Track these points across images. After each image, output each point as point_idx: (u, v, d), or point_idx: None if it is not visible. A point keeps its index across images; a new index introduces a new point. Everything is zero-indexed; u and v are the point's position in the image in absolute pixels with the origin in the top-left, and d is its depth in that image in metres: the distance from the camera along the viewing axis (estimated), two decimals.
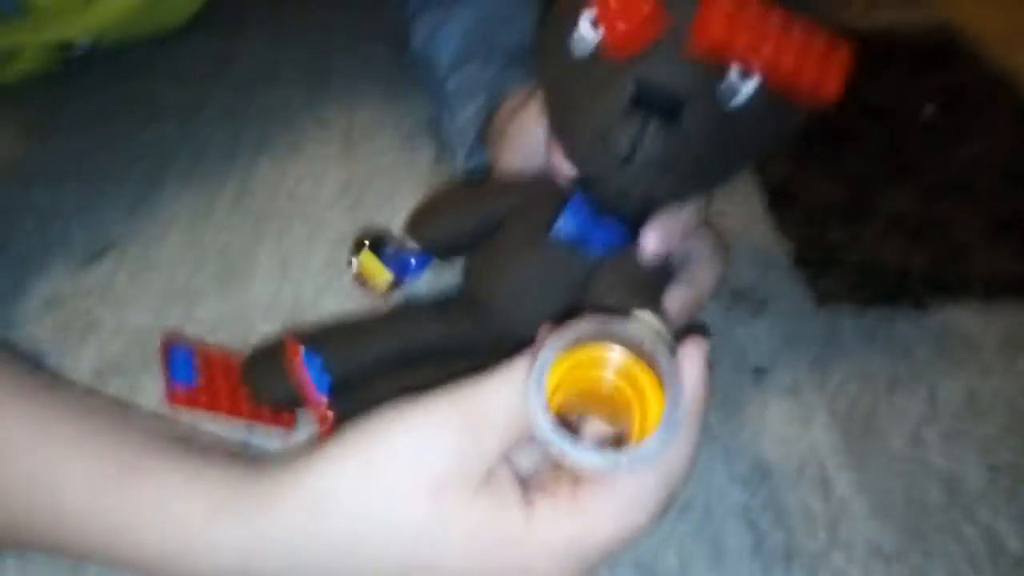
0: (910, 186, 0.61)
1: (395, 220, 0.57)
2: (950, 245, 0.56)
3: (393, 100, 0.70)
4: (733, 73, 0.34)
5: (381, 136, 0.66)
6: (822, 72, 0.33)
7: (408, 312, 0.45)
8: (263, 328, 0.50)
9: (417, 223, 0.46)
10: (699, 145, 0.36)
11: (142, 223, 0.57)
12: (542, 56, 0.41)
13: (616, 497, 0.29)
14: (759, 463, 0.43)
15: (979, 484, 0.42)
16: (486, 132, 0.54)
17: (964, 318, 0.51)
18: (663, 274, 0.41)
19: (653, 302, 0.39)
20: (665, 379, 0.28)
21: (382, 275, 0.45)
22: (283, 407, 0.42)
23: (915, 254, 0.56)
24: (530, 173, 0.44)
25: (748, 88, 0.35)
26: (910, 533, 0.40)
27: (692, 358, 0.30)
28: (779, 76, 0.33)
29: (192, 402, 0.41)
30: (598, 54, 0.36)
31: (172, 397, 0.40)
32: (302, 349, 0.41)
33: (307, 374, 0.40)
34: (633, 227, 0.40)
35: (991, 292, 0.53)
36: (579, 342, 0.29)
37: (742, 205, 0.59)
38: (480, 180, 0.55)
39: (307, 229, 0.57)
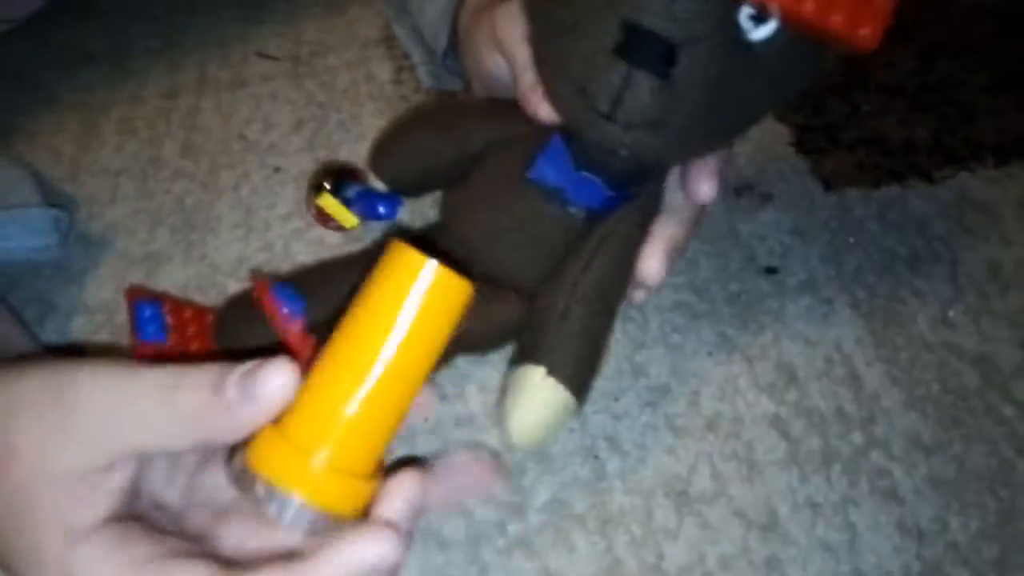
0: (906, 49, 0.57)
1: (359, 151, 0.52)
2: (954, 109, 0.53)
3: (338, 13, 0.64)
4: (743, 15, 0.29)
5: (331, 58, 0.60)
6: (855, 15, 0.27)
7: (353, 263, 0.41)
8: (234, 288, 0.46)
9: (381, 159, 0.40)
10: (698, 99, 0.30)
11: (87, 183, 0.52)
12: None
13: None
14: (784, 367, 0.41)
15: (1013, 361, 0.41)
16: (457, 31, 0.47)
17: (978, 186, 0.49)
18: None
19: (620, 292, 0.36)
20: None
21: (346, 218, 0.40)
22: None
23: (919, 123, 0.52)
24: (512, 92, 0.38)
25: (763, 31, 0.29)
26: (948, 421, 0.38)
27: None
28: (800, 20, 0.27)
29: (161, 361, 0.37)
30: None
31: (141, 356, 0.37)
32: (271, 282, 0.37)
33: (278, 301, 0.36)
34: (620, 187, 0.35)
35: (1003, 155, 0.50)
36: None
37: None
38: (454, 101, 0.49)
39: (265, 173, 0.52)
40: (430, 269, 0.24)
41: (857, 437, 0.38)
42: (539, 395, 0.33)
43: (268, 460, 0.24)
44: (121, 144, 0.55)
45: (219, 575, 0.24)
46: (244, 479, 0.24)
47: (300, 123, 0.55)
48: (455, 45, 0.48)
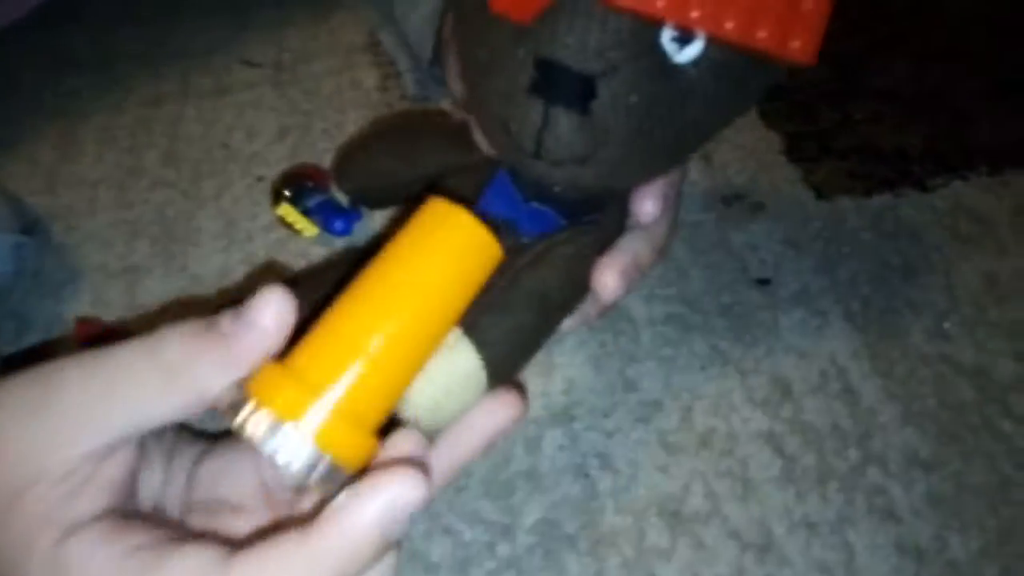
0: (900, 55, 0.56)
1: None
2: (948, 116, 0.52)
3: (323, 20, 0.63)
4: (666, 38, 0.27)
5: (315, 65, 0.59)
6: (783, 29, 0.26)
7: (346, 263, 0.40)
8: (215, 302, 0.44)
9: (343, 173, 0.41)
10: (626, 129, 0.29)
11: (65, 193, 0.50)
12: None
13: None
14: (778, 381, 0.40)
15: (1010, 374, 0.40)
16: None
17: (972, 195, 0.48)
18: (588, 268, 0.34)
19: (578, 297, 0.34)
20: None
21: (306, 227, 0.40)
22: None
23: (912, 131, 0.52)
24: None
25: (689, 53, 0.28)
26: (946, 437, 0.38)
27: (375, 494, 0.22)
28: (726, 37, 0.26)
29: None
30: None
31: None
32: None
33: None
34: (573, 215, 0.34)
35: (997, 163, 0.49)
36: None
37: None
38: (415, 121, 0.48)
39: (248, 182, 0.51)
40: (467, 222, 0.24)
41: (853, 454, 0.37)
42: (449, 351, 0.29)
43: (273, 393, 0.22)
44: (100, 153, 0.53)
45: (225, 555, 0.22)
46: (241, 412, 0.22)
47: (284, 131, 0.54)
48: (440, 53, 0.47)
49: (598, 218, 0.35)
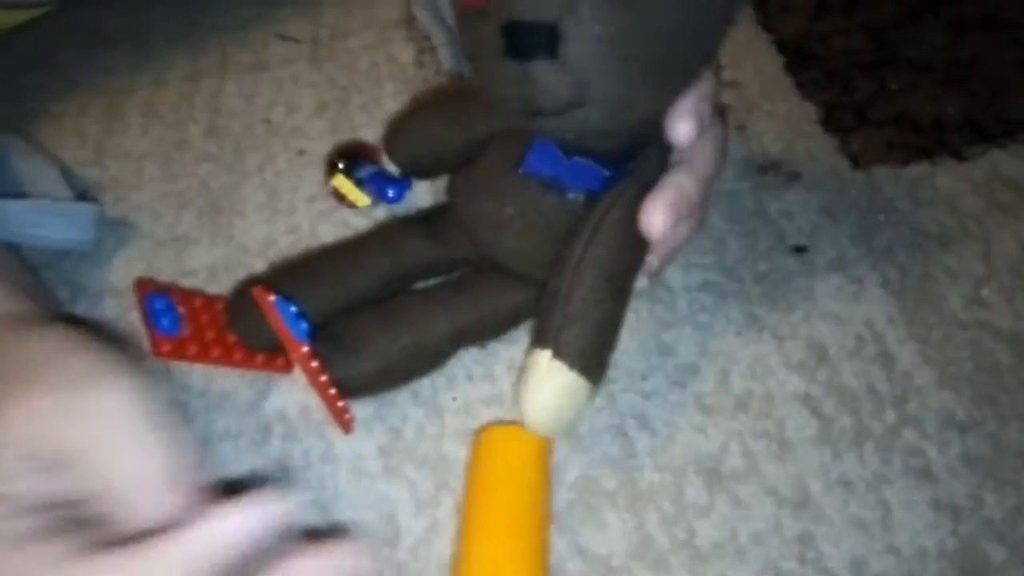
0: (934, 25, 0.56)
1: (381, 133, 0.52)
2: (984, 85, 0.52)
3: None
4: None
5: (352, 40, 0.60)
6: None
7: (393, 231, 0.42)
8: (262, 270, 0.46)
9: (394, 143, 0.42)
10: (606, 60, 0.29)
11: (112, 166, 0.52)
12: None
13: None
14: (814, 346, 0.40)
15: None
16: None
17: (1010, 164, 0.48)
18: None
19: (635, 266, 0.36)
20: None
21: (359, 197, 0.41)
22: (276, 351, 0.39)
23: (948, 100, 0.51)
24: None
25: None
26: (982, 399, 0.38)
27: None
28: None
29: (180, 352, 0.37)
30: None
31: (158, 349, 0.36)
32: (274, 299, 0.36)
33: (284, 324, 0.36)
34: (616, 164, 0.35)
35: None
36: None
37: (757, 71, 0.54)
38: (463, 88, 0.49)
39: (289, 155, 0.52)
40: (517, 436, 0.35)
41: (890, 415, 0.38)
42: (546, 378, 0.33)
43: None
44: (145, 127, 0.55)
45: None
46: None
47: (322, 106, 0.55)
48: None
49: (637, 165, 0.36)
